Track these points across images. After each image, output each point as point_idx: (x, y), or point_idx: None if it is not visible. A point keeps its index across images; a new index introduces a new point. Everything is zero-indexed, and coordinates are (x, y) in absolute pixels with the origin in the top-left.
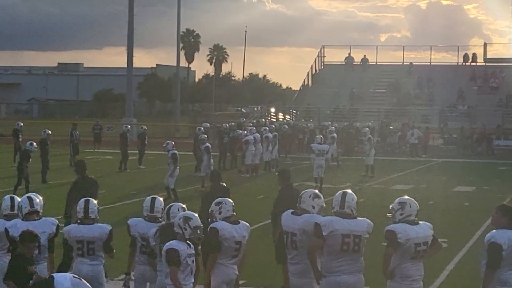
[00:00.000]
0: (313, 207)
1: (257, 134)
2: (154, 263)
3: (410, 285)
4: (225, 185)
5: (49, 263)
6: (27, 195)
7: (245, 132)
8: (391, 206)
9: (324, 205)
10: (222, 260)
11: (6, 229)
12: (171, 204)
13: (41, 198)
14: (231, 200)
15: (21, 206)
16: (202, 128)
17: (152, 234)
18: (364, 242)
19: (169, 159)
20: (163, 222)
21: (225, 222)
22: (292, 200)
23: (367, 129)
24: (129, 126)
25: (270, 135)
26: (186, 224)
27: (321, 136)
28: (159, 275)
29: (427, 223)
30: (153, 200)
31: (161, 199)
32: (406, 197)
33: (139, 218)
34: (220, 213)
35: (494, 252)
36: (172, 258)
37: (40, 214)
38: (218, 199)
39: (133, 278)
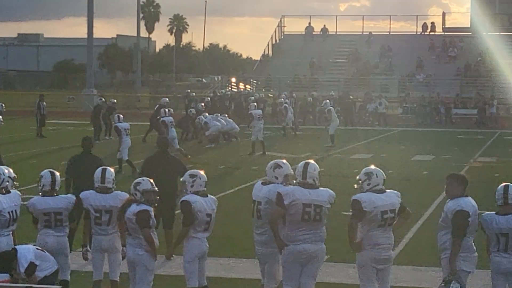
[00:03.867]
0: (276, 178)
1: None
2: (123, 236)
3: (379, 254)
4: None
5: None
6: None
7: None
8: (358, 177)
9: (290, 172)
10: (195, 233)
11: None
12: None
13: (11, 170)
14: (205, 175)
15: None
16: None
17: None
18: (326, 212)
19: (115, 132)
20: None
21: (196, 195)
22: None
23: (327, 101)
24: (103, 99)
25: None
26: (135, 189)
27: (255, 103)
28: (129, 249)
29: (395, 191)
30: (104, 171)
31: (112, 170)
32: (372, 167)
33: (91, 191)
34: (192, 186)
35: (461, 219)
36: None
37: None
38: (193, 171)
39: (90, 249)
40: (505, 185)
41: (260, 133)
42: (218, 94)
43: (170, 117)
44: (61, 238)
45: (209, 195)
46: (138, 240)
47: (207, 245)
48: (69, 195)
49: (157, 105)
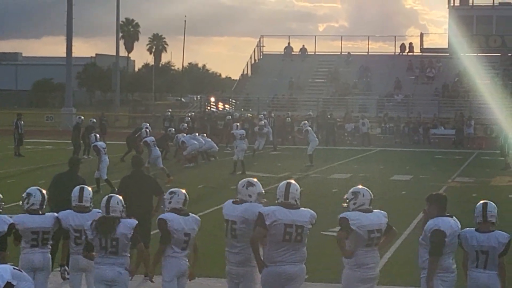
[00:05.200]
0: (250, 196)
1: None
2: (91, 256)
3: (366, 273)
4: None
5: (1, 260)
6: None
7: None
8: (345, 196)
9: (262, 191)
10: (172, 252)
11: None
12: (110, 196)
13: None
14: (185, 193)
15: None
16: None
17: (87, 226)
18: (307, 233)
19: (94, 151)
20: (100, 215)
21: (174, 213)
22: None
23: (306, 122)
24: (82, 117)
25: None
26: (124, 207)
27: (238, 124)
28: (97, 268)
29: (382, 211)
30: (82, 190)
31: (90, 188)
32: (360, 186)
33: (69, 210)
34: (170, 203)
35: (437, 239)
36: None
37: None
38: (174, 189)
39: (67, 269)
40: (483, 203)
41: (241, 153)
42: (207, 112)
43: (152, 137)
44: (46, 254)
45: (192, 214)
46: (123, 259)
47: (187, 264)
48: (54, 213)
49: (135, 128)
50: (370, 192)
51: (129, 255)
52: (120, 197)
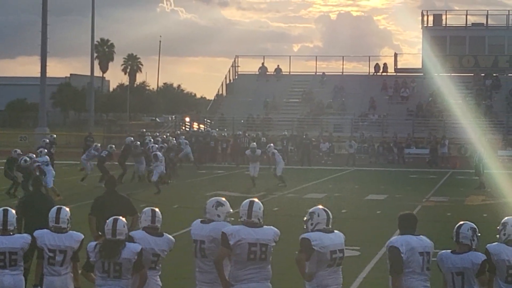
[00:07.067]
0: (219, 216)
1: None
2: (89, 277)
3: None
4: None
5: None
6: None
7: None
8: (305, 218)
9: (231, 210)
10: None
11: None
12: (115, 219)
13: None
14: (153, 210)
15: None
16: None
17: (90, 248)
18: (271, 251)
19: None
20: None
21: (145, 232)
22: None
23: (271, 144)
24: (47, 140)
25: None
26: (128, 229)
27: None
28: None
29: (340, 232)
30: (58, 211)
31: (67, 209)
32: (319, 206)
33: (45, 230)
34: (141, 222)
35: (393, 256)
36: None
37: None
38: (146, 208)
39: None
40: (458, 224)
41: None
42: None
43: (44, 158)
44: (17, 276)
45: (166, 234)
46: (125, 282)
47: (159, 284)
48: (24, 234)
49: (123, 147)
50: (328, 212)
51: (130, 277)
52: (124, 220)
